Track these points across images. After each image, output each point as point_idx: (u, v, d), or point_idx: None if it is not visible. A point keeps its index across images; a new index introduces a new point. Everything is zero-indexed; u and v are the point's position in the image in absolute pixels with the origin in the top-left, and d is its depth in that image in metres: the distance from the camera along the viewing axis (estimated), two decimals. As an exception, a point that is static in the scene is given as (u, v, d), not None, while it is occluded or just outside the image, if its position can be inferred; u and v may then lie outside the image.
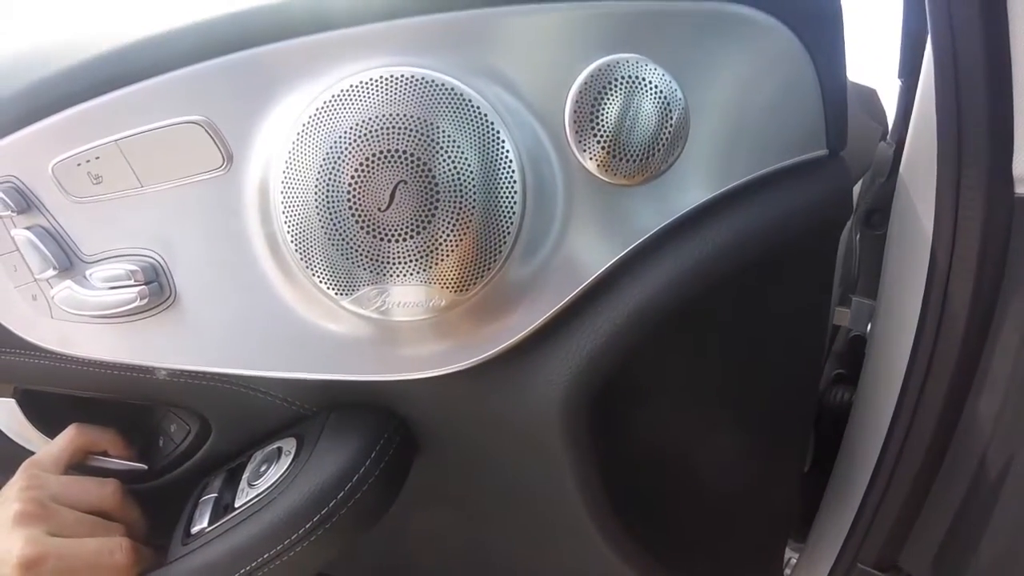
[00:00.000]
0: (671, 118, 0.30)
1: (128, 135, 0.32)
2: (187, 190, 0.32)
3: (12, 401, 0.44)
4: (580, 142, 0.30)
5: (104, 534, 0.36)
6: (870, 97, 0.54)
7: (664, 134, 0.30)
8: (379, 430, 0.36)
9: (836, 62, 0.33)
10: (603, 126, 0.30)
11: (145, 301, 0.33)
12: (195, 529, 0.37)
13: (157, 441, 0.43)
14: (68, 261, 0.35)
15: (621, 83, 0.30)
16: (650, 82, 0.30)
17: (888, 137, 0.52)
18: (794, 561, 0.54)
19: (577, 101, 0.30)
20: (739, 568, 0.48)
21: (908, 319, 0.39)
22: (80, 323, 0.36)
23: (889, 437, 0.41)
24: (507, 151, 0.29)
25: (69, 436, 0.40)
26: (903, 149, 0.41)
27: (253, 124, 0.31)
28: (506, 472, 0.40)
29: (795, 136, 0.34)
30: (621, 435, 0.37)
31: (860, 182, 0.52)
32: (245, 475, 0.37)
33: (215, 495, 0.38)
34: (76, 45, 0.35)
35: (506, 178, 0.29)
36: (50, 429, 0.44)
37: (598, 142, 0.30)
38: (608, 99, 0.30)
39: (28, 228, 0.35)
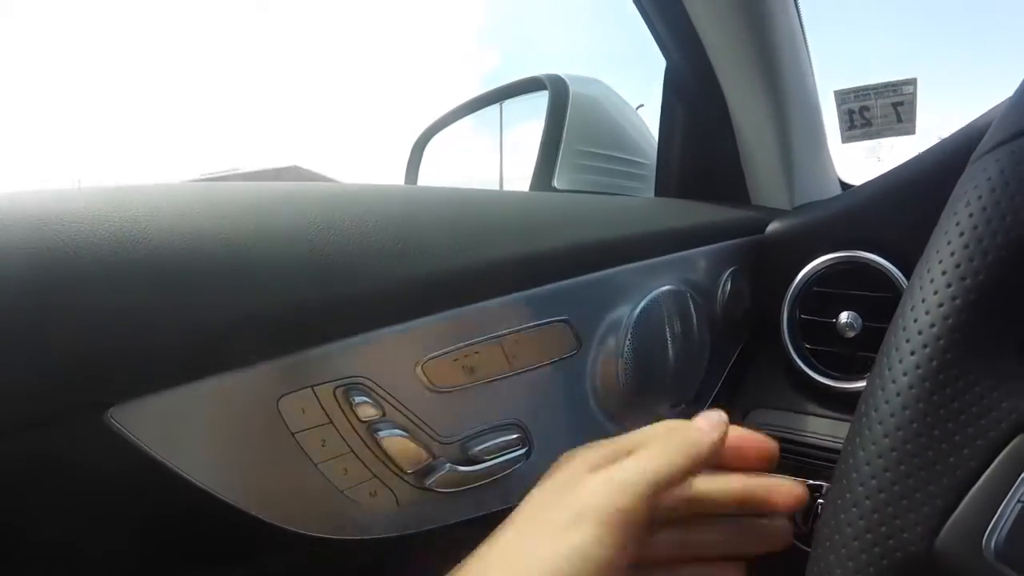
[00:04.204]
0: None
1: (509, 332, 0.40)
2: (547, 368, 0.42)
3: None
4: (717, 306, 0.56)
5: None
6: None
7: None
8: None
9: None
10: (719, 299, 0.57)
11: (525, 462, 0.41)
12: None
13: None
14: (429, 450, 0.38)
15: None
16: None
17: None
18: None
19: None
20: None
21: None
22: (443, 496, 0.39)
23: None
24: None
25: None
26: None
27: (597, 320, 0.44)
28: None
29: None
30: None
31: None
32: None
33: None
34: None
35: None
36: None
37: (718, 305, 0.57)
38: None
39: (380, 427, 0.36)
